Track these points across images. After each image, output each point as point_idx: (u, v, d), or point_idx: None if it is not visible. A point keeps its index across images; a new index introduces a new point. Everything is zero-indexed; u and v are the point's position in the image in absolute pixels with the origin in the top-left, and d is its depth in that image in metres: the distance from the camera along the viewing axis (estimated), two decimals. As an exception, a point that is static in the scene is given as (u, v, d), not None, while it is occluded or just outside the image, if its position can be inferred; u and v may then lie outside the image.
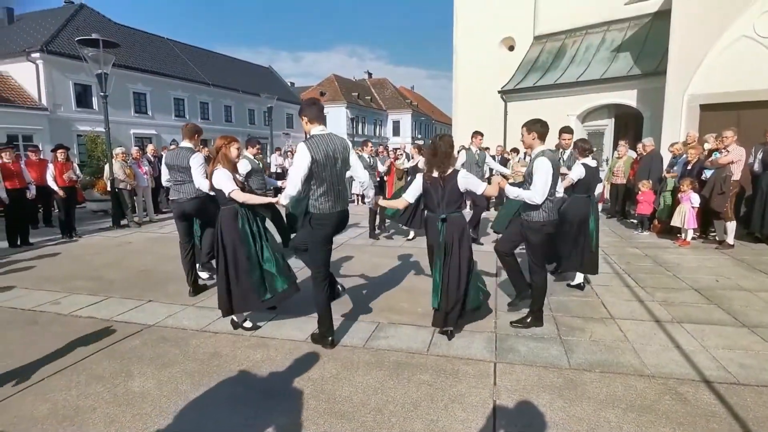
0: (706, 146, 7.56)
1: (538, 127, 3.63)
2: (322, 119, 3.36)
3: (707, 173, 6.83)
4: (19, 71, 20.18)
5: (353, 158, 3.50)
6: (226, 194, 3.59)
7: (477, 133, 7.16)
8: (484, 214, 7.73)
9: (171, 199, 4.81)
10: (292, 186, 3.25)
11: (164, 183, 5.11)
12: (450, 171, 3.46)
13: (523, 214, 3.76)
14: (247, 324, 3.86)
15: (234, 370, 3.14)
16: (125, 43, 22.88)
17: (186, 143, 4.70)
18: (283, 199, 3.35)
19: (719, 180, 6.46)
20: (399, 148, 17.31)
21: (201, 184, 4.28)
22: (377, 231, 7.95)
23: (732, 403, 2.62)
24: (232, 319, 3.86)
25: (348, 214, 3.53)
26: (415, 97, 59.68)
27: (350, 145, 3.50)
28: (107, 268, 6.06)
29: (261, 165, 6.24)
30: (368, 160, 7.85)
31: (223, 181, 3.59)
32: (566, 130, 5.69)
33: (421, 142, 42.12)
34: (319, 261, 3.44)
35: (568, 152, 5.60)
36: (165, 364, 3.25)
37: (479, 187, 3.50)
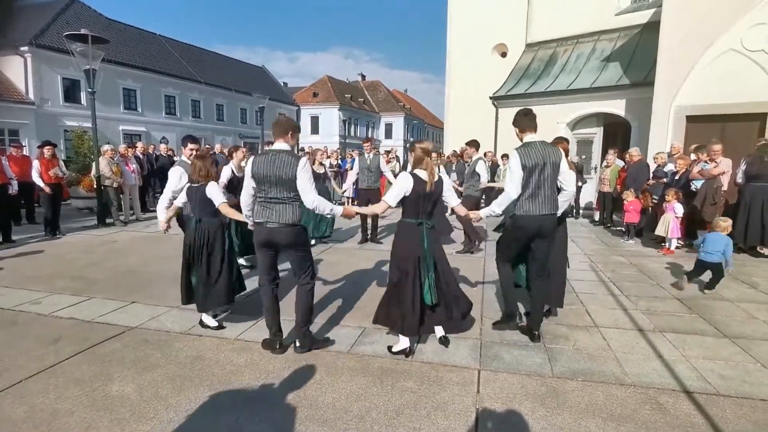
0: (692, 157, 7.69)
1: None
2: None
3: (697, 184, 6.94)
4: (7, 64, 19.86)
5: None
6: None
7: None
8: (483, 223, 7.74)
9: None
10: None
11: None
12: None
13: None
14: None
15: (216, 374, 3.11)
16: (117, 39, 22.68)
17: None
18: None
19: (711, 191, 6.60)
20: (390, 151, 17.26)
21: None
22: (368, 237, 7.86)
23: (711, 415, 2.65)
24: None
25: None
26: (408, 101, 59.85)
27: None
28: (91, 267, 5.97)
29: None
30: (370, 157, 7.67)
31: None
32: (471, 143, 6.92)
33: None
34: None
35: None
36: (146, 367, 3.20)
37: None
